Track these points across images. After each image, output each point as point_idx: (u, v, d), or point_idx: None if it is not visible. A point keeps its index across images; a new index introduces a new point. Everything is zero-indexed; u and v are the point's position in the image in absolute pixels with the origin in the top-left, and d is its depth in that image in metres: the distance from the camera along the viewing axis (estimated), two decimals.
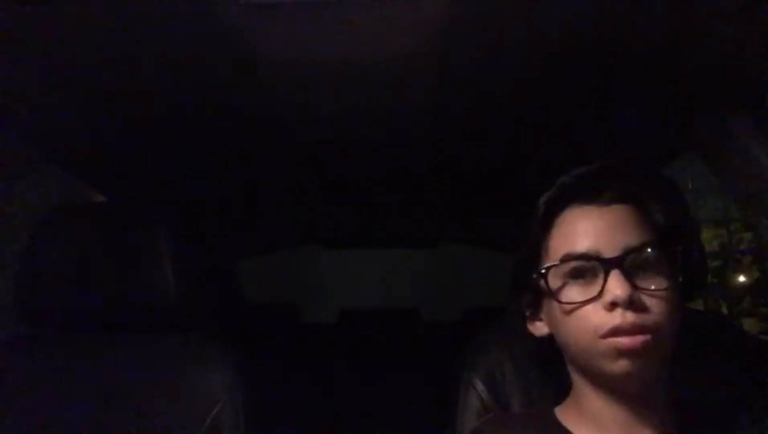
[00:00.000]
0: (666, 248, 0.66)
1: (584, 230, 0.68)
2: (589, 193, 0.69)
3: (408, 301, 2.47)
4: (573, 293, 0.67)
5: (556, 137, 1.23)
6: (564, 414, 0.73)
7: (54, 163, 1.27)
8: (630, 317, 0.62)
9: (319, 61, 0.94)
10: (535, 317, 0.74)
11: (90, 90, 1.01)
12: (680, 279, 0.66)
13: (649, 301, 0.63)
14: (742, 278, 3.55)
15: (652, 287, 0.64)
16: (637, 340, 0.62)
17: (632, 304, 0.62)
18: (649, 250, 0.65)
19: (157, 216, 0.97)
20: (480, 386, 0.85)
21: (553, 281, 0.69)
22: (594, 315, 0.64)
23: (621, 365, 0.64)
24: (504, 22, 0.84)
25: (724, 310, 3.52)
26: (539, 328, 0.74)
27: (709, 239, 3.44)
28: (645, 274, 0.65)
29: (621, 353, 0.63)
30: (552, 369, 0.78)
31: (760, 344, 0.90)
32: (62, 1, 0.77)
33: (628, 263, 0.64)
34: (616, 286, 0.63)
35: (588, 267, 0.66)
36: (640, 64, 0.95)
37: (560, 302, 0.68)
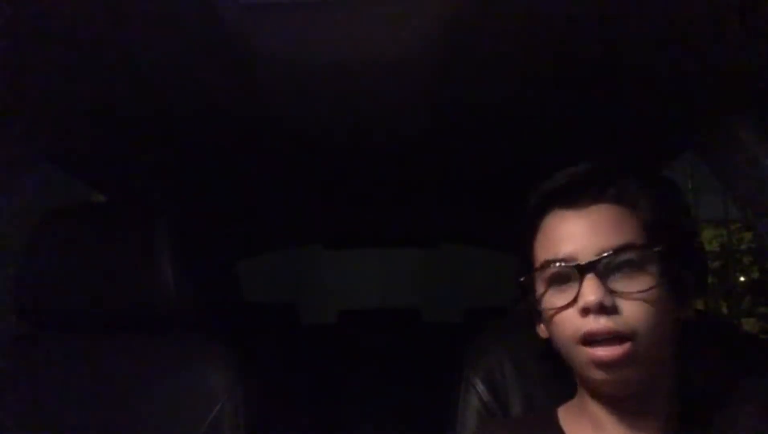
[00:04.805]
0: (648, 248, 0.64)
1: (562, 235, 0.67)
2: (568, 196, 0.68)
3: (408, 301, 2.47)
4: (554, 298, 0.66)
5: (556, 137, 1.23)
6: (566, 414, 0.73)
7: (54, 163, 1.27)
8: (604, 322, 0.61)
9: (318, 62, 0.94)
10: (539, 319, 0.74)
11: (90, 90, 1.01)
12: (664, 279, 0.63)
13: (625, 305, 0.62)
14: (742, 279, 3.55)
15: (628, 290, 0.62)
16: (614, 352, 0.61)
17: (605, 309, 0.61)
18: (626, 252, 0.63)
19: (156, 216, 0.97)
20: (480, 386, 0.85)
21: (538, 287, 0.69)
22: (571, 321, 0.64)
23: (600, 375, 0.63)
24: (504, 22, 0.84)
25: (724, 310, 3.53)
26: (543, 331, 0.74)
27: (709, 239, 3.44)
28: (623, 277, 0.63)
29: (598, 364, 0.63)
30: (554, 368, 0.78)
31: (760, 344, 0.90)
32: (62, 1, 0.77)
33: (603, 267, 0.63)
34: (588, 291, 0.62)
35: (566, 272, 0.65)
36: (640, 64, 0.95)
37: (542, 308, 0.68)
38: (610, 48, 0.90)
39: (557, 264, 0.66)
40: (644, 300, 0.62)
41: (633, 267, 0.63)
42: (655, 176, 0.70)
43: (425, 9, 0.81)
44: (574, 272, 0.64)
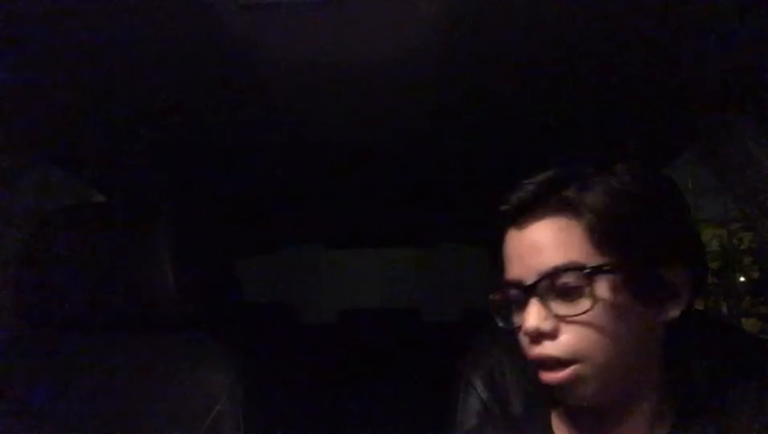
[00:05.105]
0: (588, 266, 0.59)
1: (510, 256, 0.65)
2: (515, 215, 0.65)
3: (408, 301, 2.47)
4: (514, 318, 0.65)
5: (556, 137, 1.23)
6: (561, 415, 0.73)
7: (54, 163, 1.27)
8: (546, 348, 0.60)
9: (318, 61, 0.94)
10: None
11: (90, 90, 1.01)
12: (620, 292, 0.59)
13: (566, 329, 0.59)
14: (742, 279, 3.55)
15: (569, 313, 0.59)
16: (558, 375, 0.60)
17: (544, 334, 0.60)
18: (566, 272, 0.59)
19: (157, 216, 0.97)
20: (480, 386, 0.85)
21: (509, 304, 0.67)
22: (523, 343, 0.64)
23: (556, 394, 0.63)
24: (503, 22, 0.84)
25: (724, 310, 3.53)
26: None
27: (709, 239, 3.44)
28: (564, 298, 0.60)
29: (550, 387, 0.62)
30: None
31: (760, 344, 0.90)
32: (62, 1, 0.77)
33: (543, 290, 0.60)
34: (528, 317, 0.60)
35: (517, 294, 0.64)
36: (640, 64, 0.95)
37: (508, 326, 0.66)
38: (610, 48, 0.90)
39: (508, 286, 0.65)
40: (586, 322, 0.59)
41: (574, 288, 0.59)
42: (611, 175, 0.63)
43: (425, 9, 0.81)
44: (520, 295, 0.63)
